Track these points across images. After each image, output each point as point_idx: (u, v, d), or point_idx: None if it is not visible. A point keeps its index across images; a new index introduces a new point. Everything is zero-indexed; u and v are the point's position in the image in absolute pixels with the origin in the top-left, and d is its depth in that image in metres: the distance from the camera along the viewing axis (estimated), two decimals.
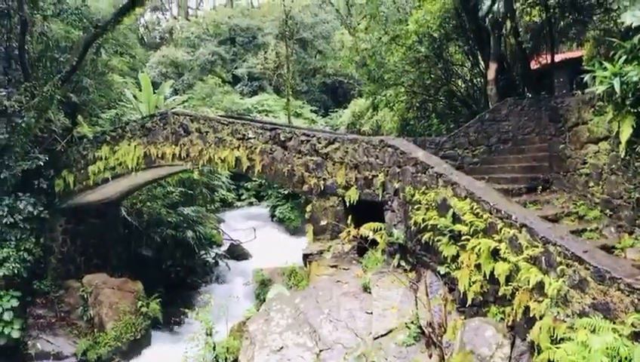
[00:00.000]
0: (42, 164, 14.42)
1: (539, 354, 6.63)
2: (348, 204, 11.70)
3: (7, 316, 13.23)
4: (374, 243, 9.73)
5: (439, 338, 7.34)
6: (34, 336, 14.02)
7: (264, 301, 11.41)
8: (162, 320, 15.82)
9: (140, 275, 16.17)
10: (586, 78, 7.82)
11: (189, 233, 19.21)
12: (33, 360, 13.70)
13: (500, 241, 7.56)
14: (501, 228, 7.56)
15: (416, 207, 9.58)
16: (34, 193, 14.53)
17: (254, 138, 13.07)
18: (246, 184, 32.45)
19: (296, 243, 21.32)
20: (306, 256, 11.86)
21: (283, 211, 27.51)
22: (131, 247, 17.78)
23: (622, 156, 7.76)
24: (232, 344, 9.56)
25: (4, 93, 13.94)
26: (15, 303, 13.45)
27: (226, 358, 9.52)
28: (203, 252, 20.57)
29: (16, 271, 13.63)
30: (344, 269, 10.89)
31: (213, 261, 21.31)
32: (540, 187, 10.43)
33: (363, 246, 11.01)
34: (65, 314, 14.75)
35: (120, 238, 17.55)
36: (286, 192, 27.18)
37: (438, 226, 8.78)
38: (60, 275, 15.30)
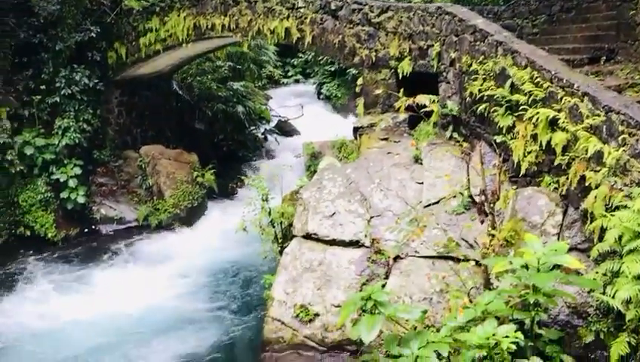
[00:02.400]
0: (94, 35, 14.51)
1: (592, 221, 6.70)
2: (400, 77, 11.51)
3: (72, 183, 14.02)
4: (427, 116, 9.67)
5: (491, 205, 7.45)
6: (98, 202, 14.92)
7: (314, 172, 11.68)
8: (217, 191, 16.51)
9: (193, 148, 16.69)
10: None
11: (239, 108, 19.44)
12: (99, 223, 14.69)
13: (559, 111, 7.39)
14: (562, 98, 7.36)
15: (472, 77, 9.36)
16: (88, 65, 14.77)
17: (304, 7, 12.72)
18: (292, 61, 32.10)
19: (342, 121, 21.43)
20: (356, 129, 11.93)
21: (330, 88, 27.34)
22: (184, 121, 18.18)
23: None
24: (287, 210, 9.96)
25: None
26: (78, 171, 14.17)
27: (281, 222, 9.96)
28: (253, 127, 20.91)
29: (77, 141, 14.23)
30: (395, 142, 10.93)
31: (263, 136, 21.70)
32: (604, 57, 9.96)
33: (414, 119, 10.99)
34: (125, 182, 15.51)
35: (173, 112, 17.93)
36: (333, 69, 26.84)
37: (495, 97, 8.61)
38: (117, 146, 15.91)
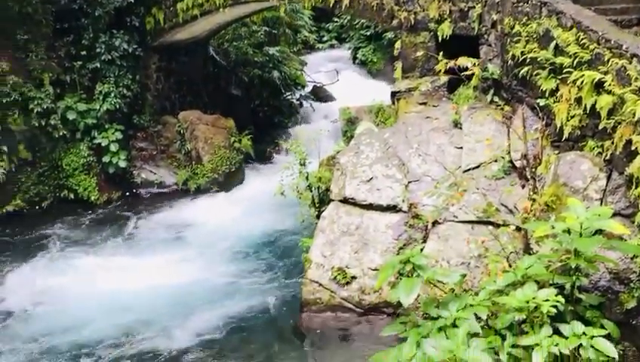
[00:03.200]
0: (132, 1, 14.59)
1: (637, 187, 6.57)
2: (439, 40, 11.31)
3: (113, 147, 14.33)
4: (467, 80, 9.51)
5: (532, 170, 7.35)
6: (138, 167, 15.25)
7: (351, 138, 11.66)
8: (253, 156, 16.67)
9: (230, 114, 16.80)
10: None
11: (275, 73, 19.40)
12: (139, 187, 15.05)
13: (605, 73, 7.19)
14: (608, 59, 7.14)
15: (515, 39, 9.14)
16: (127, 31, 14.91)
17: None
18: (327, 25, 31.70)
19: (378, 86, 21.17)
20: (394, 94, 11.81)
21: (365, 53, 26.96)
22: (221, 86, 18.27)
23: None
24: (324, 174, 10.01)
25: None
26: (119, 136, 14.47)
27: (318, 187, 10.02)
28: (288, 92, 20.86)
29: (117, 106, 14.49)
30: (433, 106, 10.80)
31: (298, 102, 21.64)
32: None
33: (454, 83, 10.82)
34: (164, 147, 15.77)
35: (210, 77, 18.01)
36: (368, 33, 26.43)
37: (538, 59, 8.41)
38: (156, 111, 16.13)
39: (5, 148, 13.22)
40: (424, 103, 11.04)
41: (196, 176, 15.20)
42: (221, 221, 13.14)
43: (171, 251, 11.63)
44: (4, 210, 13.30)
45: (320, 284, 8.75)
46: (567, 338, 5.33)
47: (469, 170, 8.59)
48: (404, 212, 8.80)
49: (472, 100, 10.26)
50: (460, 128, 9.58)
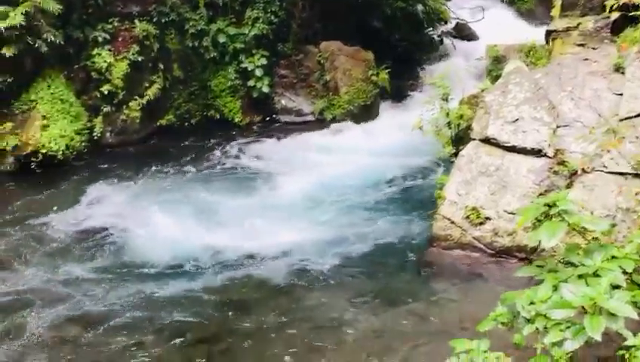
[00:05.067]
0: None
1: None
2: None
3: (258, 72, 14.91)
4: (636, 21, 8.72)
5: None
6: (279, 93, 15.77)
7: (497, 77, 11.23)
8: (389, 91, 16.55)
9: (369, 46, 16.68)
10: None
11: (419, 6, 18.82)
12: (278, 113, 15.65)
13: None
14: None
15: None
16: None
17: None
18: None
19: (527, 28, 19.89)
20: (549, 33, 11.10)
21: None
22: (362, 18, 18.10)
23: None
24: (466, 112, 9.78)
25: None
26: (264, 62, 14.98)
27: (458, 124, 9.85)
28: (430, 28, 20.23)
29: (264, 32, 14.93)
30: (593, 48, 10.03)
31: (439, 39, 20.95)
32: None
33: (619, 25, 9.95)
34: (304, 76, 16.09)
35: (353, 8, 17.85)
36: None
37: None
38: (299, 40, 16.36)
39: (162, 66, 14.22)
40: (582, 45, 10.28)
41: (333, 106, 15.46)
42: (355, 152, 13.37)
43: (312, 170, 12.18)
44: (158, 123, 14.48)
45: (452, 221, 8.76)
46: None
47: (627, 118, 7.98)
48: (549, 157, 8.44)
49: None
50: (622, 73, 8.84)
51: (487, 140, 8.98)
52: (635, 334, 5.06)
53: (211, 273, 8.85)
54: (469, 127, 9.61)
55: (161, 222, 9.98)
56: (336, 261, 9.02)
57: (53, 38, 12.17)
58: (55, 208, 10.81)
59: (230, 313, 7.83)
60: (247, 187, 11.74)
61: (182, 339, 7.27)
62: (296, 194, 11.21)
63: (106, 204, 11.11)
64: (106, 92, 13.15)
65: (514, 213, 8.36)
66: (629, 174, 7.67)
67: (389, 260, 9.07)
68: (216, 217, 10.35)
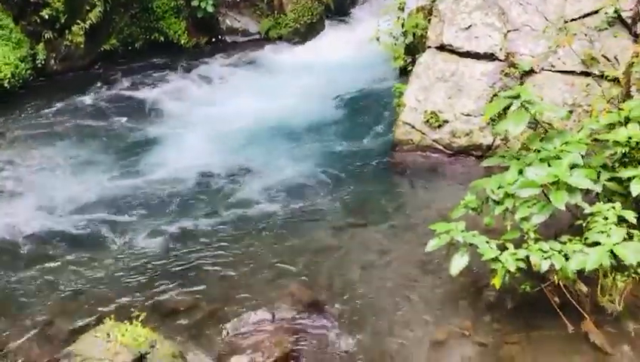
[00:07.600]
0: None
1: None
2: None
3: None
4: None
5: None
6: (223, 13, 15.52)
7: None
8: (333, 8, 16.56)
9: None
10: None
11: None
12: (224, 34, 15.46)
13: None
14: None
15: None
16: None
17: None
18: None
19: None
20: None
21: None
22: None
23: None
24: (420, 22, 10.10)
25: None
26: None
27: (414, 33, 10.19)
28: None
29: None
30: None
31: None
32: None
33: None
34: None
35: None
36: None
37: None
38: None
39: None
40: None
41: (279, 25, 15.40)
42: (303, 68, 13.57)
43: (257, 91, 12.27)
44: (102, 48, 14.03)
45: (412, 126, 9.30)
46: None
47: (576, 19, 8.56)
48: (501, 60, 9.02)
49: None
50: None
51: (442, 47, 9.43)
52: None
53: None
54: (422, 36, 9.99)
55: None
56: (305, 169, 9.41)
57: None
58: None
59: None
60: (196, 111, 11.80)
61: None
62: (254, 113, 11.33)
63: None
64: (46, 16, 12.50)
65: (470, 115, 9.01)
66: (573, 73, 8.37)
67: (354, 164, 9.44)
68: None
